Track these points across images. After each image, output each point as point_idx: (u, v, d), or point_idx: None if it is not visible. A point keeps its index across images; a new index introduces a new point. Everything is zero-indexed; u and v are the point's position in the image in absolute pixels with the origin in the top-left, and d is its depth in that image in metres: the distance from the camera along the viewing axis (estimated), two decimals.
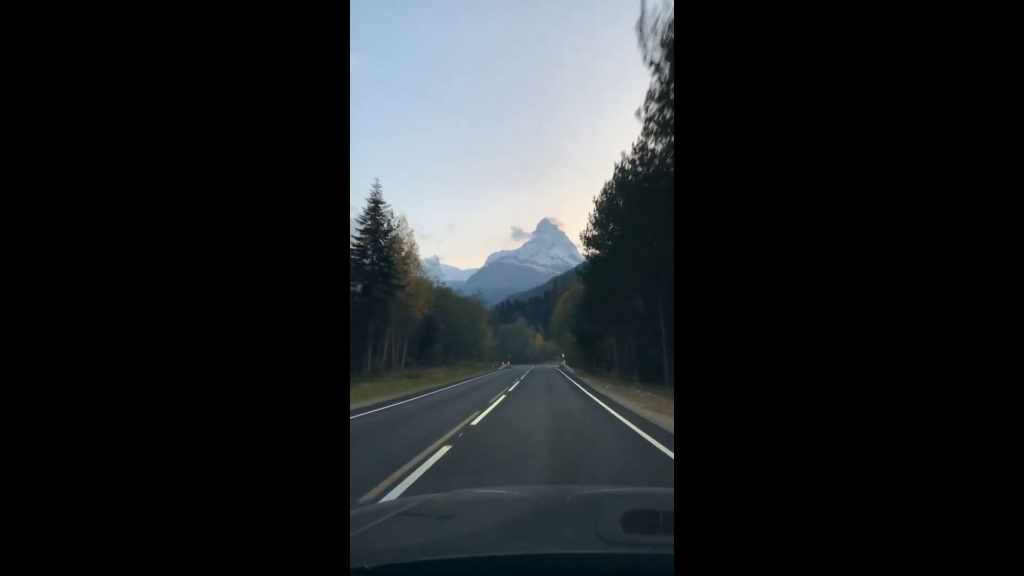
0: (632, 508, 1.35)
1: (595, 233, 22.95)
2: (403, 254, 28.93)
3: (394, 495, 3.41)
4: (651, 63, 11.71)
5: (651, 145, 14.83)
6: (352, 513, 1.19)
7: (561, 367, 55.49)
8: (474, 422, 7.33)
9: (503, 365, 65.42)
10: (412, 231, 30.58)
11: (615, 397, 12.63)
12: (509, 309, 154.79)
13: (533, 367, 63.72)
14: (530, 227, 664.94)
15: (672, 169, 12.86)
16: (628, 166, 17.85)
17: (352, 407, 9.79)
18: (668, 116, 12.64)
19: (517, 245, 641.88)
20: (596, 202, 22.37)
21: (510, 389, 15.50)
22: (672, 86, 11.61)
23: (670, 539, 0.67)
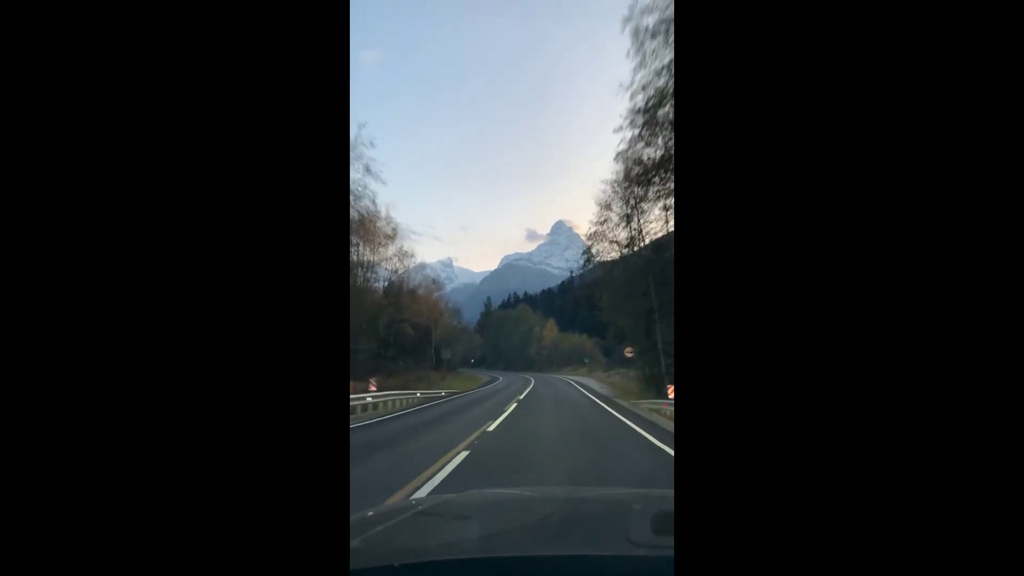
0: (661, 510, 1.29)
1: None
2: None
3: None
4: None
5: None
6: (368, 513, 1.26)
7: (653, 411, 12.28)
8: None
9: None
10: None
11: None
12: (517, 304, 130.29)
13: (531, 382, 32.33)
14: (544, 229, 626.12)
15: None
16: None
17: None
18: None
19: (531, 247, 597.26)
20: None
21: None
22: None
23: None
